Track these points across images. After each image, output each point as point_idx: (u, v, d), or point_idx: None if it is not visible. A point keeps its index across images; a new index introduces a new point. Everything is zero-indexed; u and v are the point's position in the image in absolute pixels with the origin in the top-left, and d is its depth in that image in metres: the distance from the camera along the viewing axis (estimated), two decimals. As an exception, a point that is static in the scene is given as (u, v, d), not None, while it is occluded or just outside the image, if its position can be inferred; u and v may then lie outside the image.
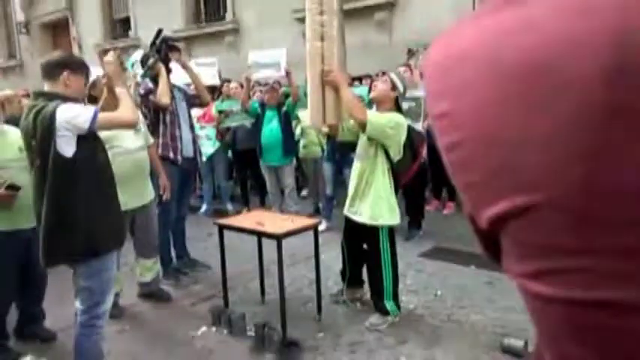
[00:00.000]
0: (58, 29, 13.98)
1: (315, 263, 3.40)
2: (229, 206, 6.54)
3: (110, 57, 2.65)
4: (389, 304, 3.29)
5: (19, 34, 14.95)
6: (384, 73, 3.32)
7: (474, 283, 3.95)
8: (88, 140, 2.33)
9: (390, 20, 8.06)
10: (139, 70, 4.49)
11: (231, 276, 3.61)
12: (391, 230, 3.26)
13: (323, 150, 5.60)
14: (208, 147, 6.20)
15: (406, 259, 4.39)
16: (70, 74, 2.39)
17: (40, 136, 2.24)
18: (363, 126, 3.01)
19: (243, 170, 6.49)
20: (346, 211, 3.38)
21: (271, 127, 5.42)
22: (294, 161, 5.79)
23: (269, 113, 5.46)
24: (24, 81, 14.43)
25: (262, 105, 5.51)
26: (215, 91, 6.76)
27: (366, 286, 3.52)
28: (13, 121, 4.63)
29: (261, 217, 3.43)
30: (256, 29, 9.35)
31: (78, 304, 2.43)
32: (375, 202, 3.16)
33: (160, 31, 4.27)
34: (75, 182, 2.29)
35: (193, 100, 4.46)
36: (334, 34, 2.93)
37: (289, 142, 5.48)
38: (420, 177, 5.02)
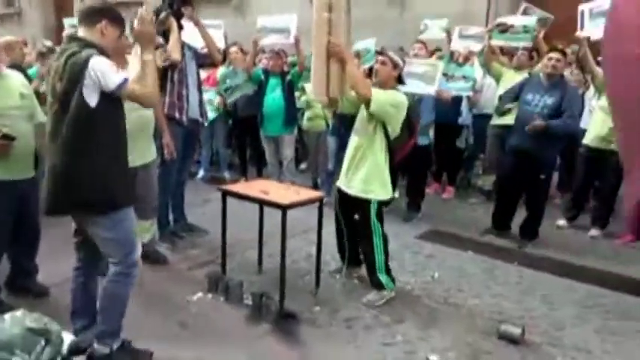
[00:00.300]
0: (60, -22, 13.56)
1: (318, 237, 3.36)
2: (226, 174, 6.47)
3: (144, 11, 2.43)
4: (383, 278, 3.29)
5: (18, -19, 14.49)
6: (381, 53, 3.27)
7: (471, 268, 3.94)
8: (109, 95, 2.25)
9: (402, -4, 7.88)
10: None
11: (229, 243, 3.56)
12: (380, 205, 3.24)
13: (327, 124, 5.51)
14: (209, 112, 6.07)
15: (404, 240, 4.38)
16: (108, 24, 2.31)
17: (68, 80, 2.17)
18: (367, 102, 3.00)
19: (243, 138, 6.38)
20: (339, 183, 3.38)
21: (274, 96, 5.31)
22: (295, 132, 5.70)
23: (272, 81, 5.35)
24: (22, 30, 14.07)
25: (266, 73, 5.39)
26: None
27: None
28: (16, 68, 4.49)
29: (265, 186, 3.37)
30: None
31: (109, 257, 2.39)
32: (368, 176, 3.18)
33: None
34: (95, 132, 2.22)
35: (204, 60, 4.35)
36: (342, 4, 2.89)
37: (291, 111, 5.39)
38: (423, 158, 4.98)
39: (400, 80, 3.26)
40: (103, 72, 2.17)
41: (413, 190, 5.07)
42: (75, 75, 2.15)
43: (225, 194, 3.31)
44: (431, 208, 5.22)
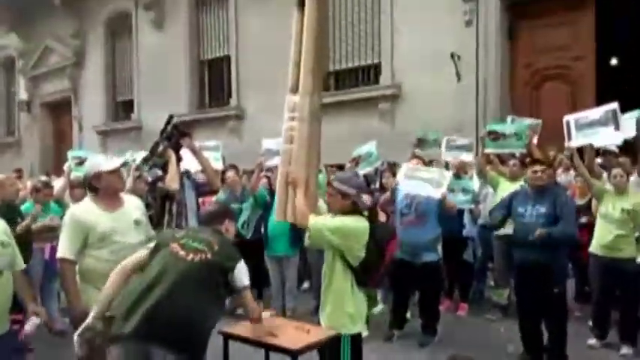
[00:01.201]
0: (60, 109, 14.14)
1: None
2: (227, 301, 6.13)
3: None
4: None
5: (20, 112, 15.09)
6: (329, 184, 3.16)
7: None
8: None
9: (393, 111, 8.16)
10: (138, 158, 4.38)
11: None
12: (354, 339, 2.95)
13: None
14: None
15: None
16: None
17: None
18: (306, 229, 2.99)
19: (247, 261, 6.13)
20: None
21: (279, 215, 5.19)
22: (298, 254, 5.50)
23: (277, 200, 5.27)
24: (20, 159, 14.38)
25: (271, 192, 5.32)
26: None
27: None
28: (9, 207, 4.35)
29: (272, 324, 3.08)
30: (259, 116, 9.42)
31: None
32: (334, 308, 2.95)
33: (171, 118, 4.19)
34: None
35: (203, 188, 4.31)
36: (303, 138, 3.08)
37: (297, 230, 5.20)
38: (434, 276, 4.73)
39: (356, 208, 3.00)
40: None
41: (426, 310, 4.75)
42: None
43: (227, 338, 3.02)
44: (447, 329, 4.86)
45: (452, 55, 7.26)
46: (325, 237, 2.90)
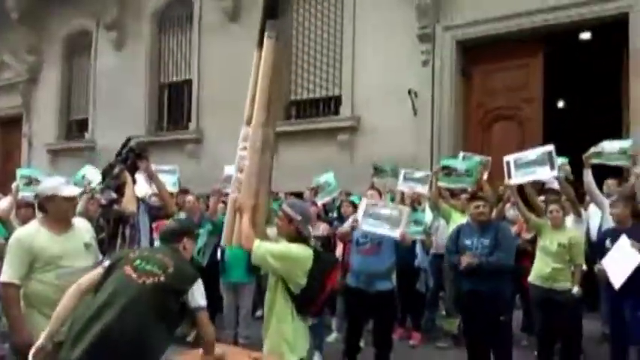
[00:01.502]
0: (10, 125, 13.58)
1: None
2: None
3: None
4: None
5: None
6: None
7: None
8: None
9: (352, 142, 8.34)
10: (95, 180, 4.31)
11: None
12: None
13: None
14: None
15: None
16: None
17: None
18: (249, 252, 3.05)
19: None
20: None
21: (236, 243, 5.15)
22: (254, 281, 5.46)
23: (235, 226, 5.23)
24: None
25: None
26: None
27: None
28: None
29: (224, 353, 3.03)
30: (218, 141, 9.40)
31: None
32: (274, 334, 3.00)
33: (128, 140, 4.16)
34: None
35: (157, 212, 4.25)
36: (253, 167, 3.20)
37: (254, 257, 5.20)
38: (388, 304, 4.78)
39: (301, 235, 3.10)
40: None
41: (380, 339, 4.77)
42: None
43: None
44: (400, 357, 4.91)
45: (409, 92, 7.55)
46: (268, 261, 2.95)
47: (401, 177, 5.82)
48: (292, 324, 2.99)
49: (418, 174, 5.77)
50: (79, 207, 3.59)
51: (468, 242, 4.28)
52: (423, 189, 5.62)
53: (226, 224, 3.30)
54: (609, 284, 4.14)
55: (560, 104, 11.52)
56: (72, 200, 2.99)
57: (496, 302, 4.14)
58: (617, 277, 3.98)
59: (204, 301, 2.58)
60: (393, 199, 5.62)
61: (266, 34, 3.22)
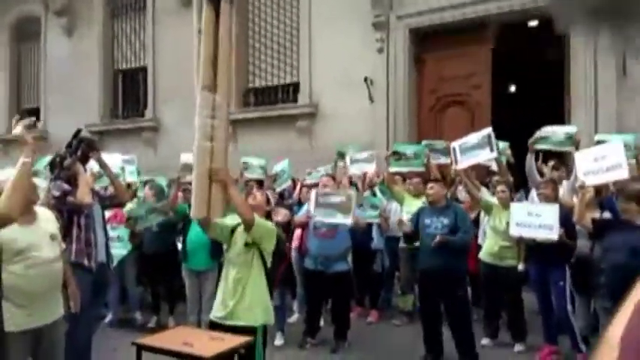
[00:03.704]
0: (-45, 115, 12.95)
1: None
2: (138, 315, 6.03)
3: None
4: None
5: None
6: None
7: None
8: None
9: (310, 128, 8.47)
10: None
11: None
12: (264, 330, 3.34)
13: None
14: (120, 249, 5.78)
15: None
16: None
17: None
18: (249, 225, 3.22)
19: (154, 276, 6.07)
20: (215, 317, 3.37)
21: (198, 230, 5.19)
22: (217, 267, 5.54)
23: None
24: None
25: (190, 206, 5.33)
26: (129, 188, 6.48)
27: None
28: None
29: (187, 335, 3.16)
30: (175, 129, 9.33)
31: None
32: (252, 305, 3.27)
33: (78, 131, 4.14)
34: None
35: (111, 201, 4.27)
36: (223, 136, 3.24)
37: (216, 244, 5.26)
38: (344, 285, 5.01)
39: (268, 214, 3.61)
40: None
41: (338, 318, 5.01)
42: None
43: (141, 349, 3.04)
44: (357, 335, 5.15)
45: (365, 79, 7.72)
46: (265, 229, 3.31)
47: (348, 161, 6.02)
48: (267, 292, 3.33)
49: (363, 154, 5.99)
50: (42, 198, 3.56)
51: (427, 221, 4.48)
52: (370, 167, 5.85)
53: (198, 198, 3.19)
54: (536, 258, 4.53)
55: (512, 89, 11.98)
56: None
57: (454, 277, 4.38)
58: None
59: None
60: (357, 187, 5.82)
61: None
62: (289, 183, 6.59)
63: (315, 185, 5.62)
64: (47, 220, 3.06)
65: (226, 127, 3.25)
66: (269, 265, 3.33)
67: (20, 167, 2.21)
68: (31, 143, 2.35)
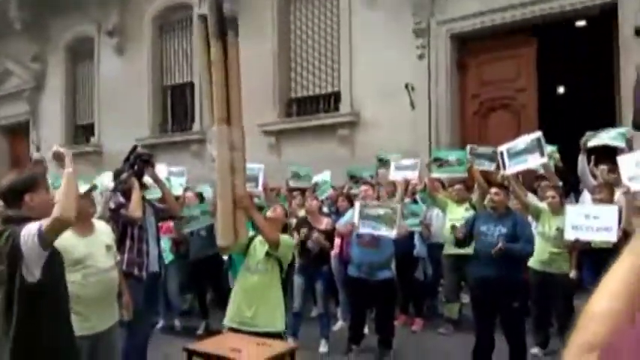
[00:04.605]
0: (17, 132, 13.84)
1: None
2: (177, 322, 6.22)
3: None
4: None
5: (-26, 136, 14.63)
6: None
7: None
8: (54, 266, 2.31)
9: (351, 136, 8.52)
10: (110, 184, 4.49)
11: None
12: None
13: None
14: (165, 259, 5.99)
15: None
16: (33, 195, 2.37)
17: (7, 261, 2.20)
18: (275, 245, 3.50)
19: (202, 282, 6.24)
20: (232, 324, 3.59)
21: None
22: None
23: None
24: (-27, 183, 13.88)
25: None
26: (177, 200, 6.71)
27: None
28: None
29: (235, 341, 3.26)
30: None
31: None
32: (272, 311, 3.55)
33: (135, 147, 4.36)
34: (40, 310, 2.22)
35: (163, 214, 4.45)
36: (242, 167, 3.39)
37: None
38: (388, 292, 4.98)
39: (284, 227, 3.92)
40: (27, 238, 2.19)
41: (382, 326, 4.99)
42: (10, 255, 2.18)
43: (191, 354, 3.17)
44: (402, 344, 5.12)
45: (406, 86, 7.71)
46: (289, 247, 3.67)
47: (392, 168, 6.00)
48: (282, 302, 3.66)
49: (407, 161, 5.93)
50: (99, 211, 3.78)
51: (484, 228, 4.30)
52: (413, 174, 5.79)
53: (225, 225, 3.30)
54: (591, 264, 4.50)
55: (561, 90, 11.61)
56: (86, 197, 3.12)
57: (510, 287, 4.18)
58: None
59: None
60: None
61: (230, 34, 3.31)
62: (330, 191, 6.64)
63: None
64: (103, 232, 3.24)
65: (244, 158, 3.41)
66: (284, 274, 3.67)
67: (65, 176, 2.40)
68: (65, 154, 2.52)
